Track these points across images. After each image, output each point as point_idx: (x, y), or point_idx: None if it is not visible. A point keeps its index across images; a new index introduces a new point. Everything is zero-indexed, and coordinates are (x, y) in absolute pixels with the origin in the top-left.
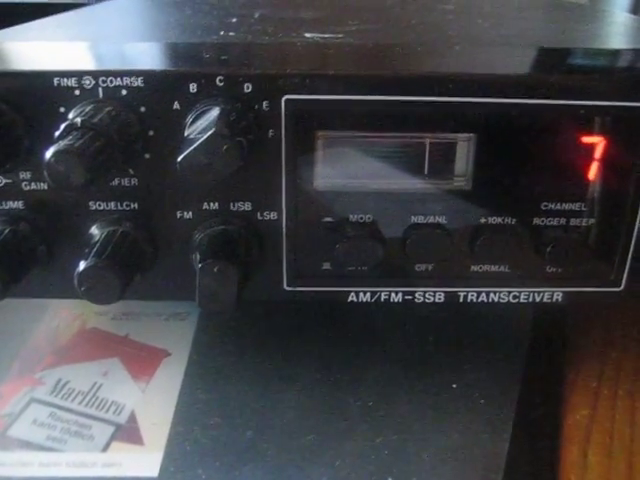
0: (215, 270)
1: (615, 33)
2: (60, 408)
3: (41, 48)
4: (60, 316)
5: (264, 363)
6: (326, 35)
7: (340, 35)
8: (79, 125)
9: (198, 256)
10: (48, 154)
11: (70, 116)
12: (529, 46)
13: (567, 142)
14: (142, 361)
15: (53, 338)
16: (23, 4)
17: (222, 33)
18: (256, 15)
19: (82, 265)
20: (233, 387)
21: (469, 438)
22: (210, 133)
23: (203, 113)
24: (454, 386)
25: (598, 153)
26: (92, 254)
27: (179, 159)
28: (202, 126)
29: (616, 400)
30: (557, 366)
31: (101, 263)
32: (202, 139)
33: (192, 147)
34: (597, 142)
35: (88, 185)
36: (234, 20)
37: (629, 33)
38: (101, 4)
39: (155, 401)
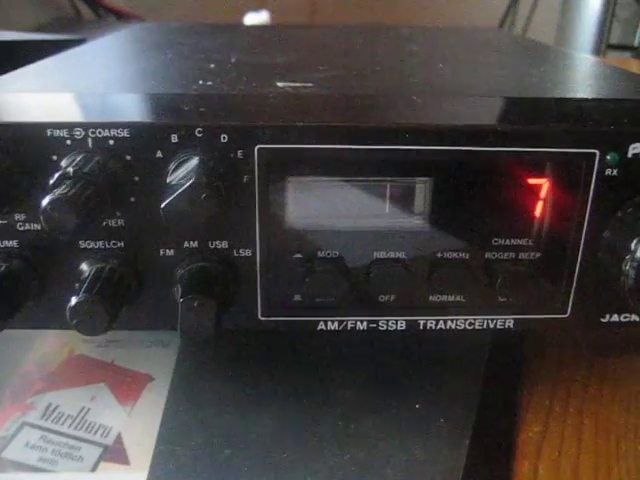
0: (195, 304)
1: (569, 80)
2: (51, 431)
3: (34, 100)
4: (48, 344)
5: (241, 387)
6: (296, 84)
7: (309, 84)
8: (71, 174)
9: (180, 290)
10: (44, 202)
11: (62, 164)
12: (482, 96)
13: (514, 184)
14: (127, 386)
15: (42, 365)
16: (24, 41)
17: (201, 83)
18: (232, 60)
19: (74, 300)
20: (212, 409)
21: (429, 454)
22: (190, 182)
23: (184, 162)
24: (416, 406)
25: (543, 193)
26: (83, 289)
27: (162, 206)
28: (183, 174)
29: (566, 417)
30: (512, 386)
31: (91, 298)
32: (183, 187)
33: (174, 195)
34: (541, 183)
35: (80, 229)
36: (212, 66)
37: (579, 80)
38: (92, 43)
39: (140, 423)
